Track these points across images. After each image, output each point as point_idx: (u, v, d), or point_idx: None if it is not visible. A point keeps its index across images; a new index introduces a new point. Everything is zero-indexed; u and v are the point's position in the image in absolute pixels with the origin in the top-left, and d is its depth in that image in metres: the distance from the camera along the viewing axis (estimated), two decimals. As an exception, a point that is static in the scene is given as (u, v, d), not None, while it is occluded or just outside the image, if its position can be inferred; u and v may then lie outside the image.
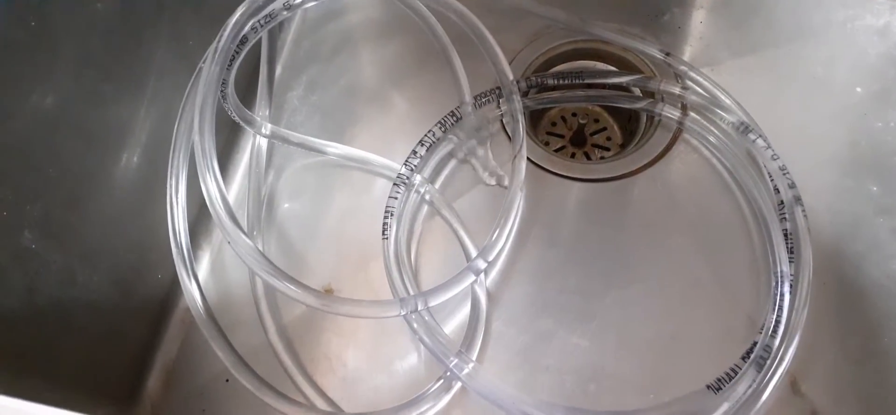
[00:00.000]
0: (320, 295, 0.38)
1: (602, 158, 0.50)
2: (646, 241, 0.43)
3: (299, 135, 0.46)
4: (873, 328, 0.39)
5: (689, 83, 0.45)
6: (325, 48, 0.52)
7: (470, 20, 0.45)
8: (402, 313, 0.38)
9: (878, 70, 0.48)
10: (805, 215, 0.40)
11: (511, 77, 0.44)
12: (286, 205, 0.46)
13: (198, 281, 0.40)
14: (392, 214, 0.42)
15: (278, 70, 0.51)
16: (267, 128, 0.45)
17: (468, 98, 0.46)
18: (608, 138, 0.51)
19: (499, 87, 0.46)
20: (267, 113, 0.47)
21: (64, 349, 0.36)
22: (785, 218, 0.40)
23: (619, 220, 0.44)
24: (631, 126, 0.49)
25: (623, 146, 0.50)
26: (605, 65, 0.50)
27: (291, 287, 0.37)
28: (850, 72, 0.47)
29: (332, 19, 0.53)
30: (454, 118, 0.46)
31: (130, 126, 0.40)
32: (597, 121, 0.52)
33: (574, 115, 0.52)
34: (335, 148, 0.46)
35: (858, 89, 0.46)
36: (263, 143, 0.46)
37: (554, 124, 0.52)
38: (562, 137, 0.52)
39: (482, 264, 0.40)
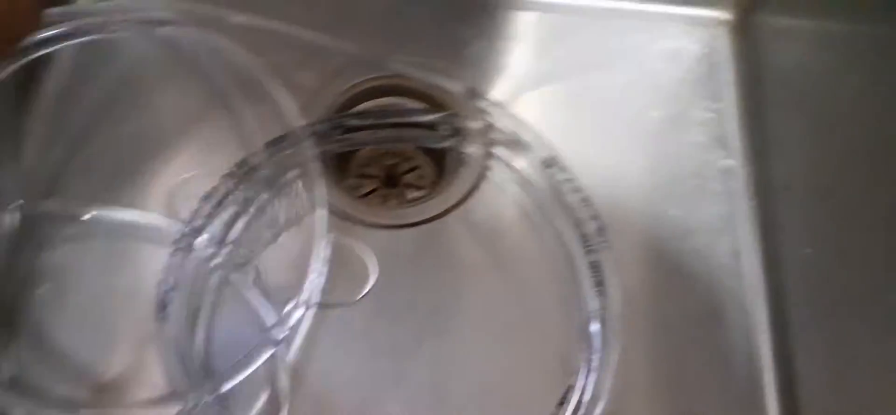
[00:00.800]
0: (77, 408, 0.32)
1: (416, 198, 0.47)
2: (457, 287, 0.40)
3: (56, 202, 0.39)
4: (682, 355, 0.40)
5: (492, 119, 0.44)
6: (95, 97, 0.45)
7: (244, 62, 0.40)
8: (187, 408, 0.33)
9: (673, 93, 0.49)
10: (609, 247, 0.39)
11: (296, 123, 0.40)
12: (42, 289, 0.39)
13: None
14: (171, 287, 0.37)
15: (35, 125, 0.43)
16: (14, 200, 0.38)
17: (260, 146, 0.42)
18: (421, 177, 0.48)
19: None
20: (15, 179, 0.40)
21: None
22: (592, 250, 0.40)
23: (429, 266, 0.41)
24: (441, 164, 0.47)
25: (435, 184, 0.47)
26: (412, 102, 0.47)
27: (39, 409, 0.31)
28: (645, 97, 0.48)
29: (103, 64, 0.46)
30: (245, 168, 0.41)
31: None
32: (409, 159, 0.49)
33: (386, 154, 0.49)
34: (101, 213, 0.39)
35: (654, 114, 0.47)
36: (13, 217, 0.39)
37: (367, 165, 0.49)
38: (375, 178, 0.49)
39: (279, 335, 0.36)
